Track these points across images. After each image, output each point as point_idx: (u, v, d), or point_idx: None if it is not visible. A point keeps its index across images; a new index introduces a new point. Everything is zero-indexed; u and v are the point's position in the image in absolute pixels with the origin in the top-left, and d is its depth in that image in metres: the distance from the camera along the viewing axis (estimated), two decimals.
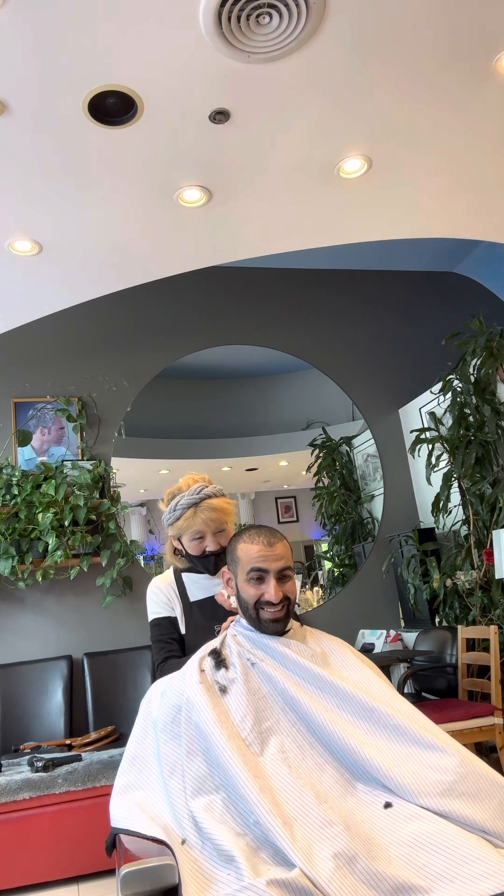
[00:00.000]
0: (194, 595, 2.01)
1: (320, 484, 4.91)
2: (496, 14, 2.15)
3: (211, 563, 1.95)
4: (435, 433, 4.19)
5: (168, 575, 2.08)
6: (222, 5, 1.97)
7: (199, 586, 2.01)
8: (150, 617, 2.03)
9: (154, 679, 1.82)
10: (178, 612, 2.00)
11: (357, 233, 3.35)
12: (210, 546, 1.93)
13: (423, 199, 3.13)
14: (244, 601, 1.57)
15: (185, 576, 2.04)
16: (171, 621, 1.99)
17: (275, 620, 1.54)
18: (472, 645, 3.52)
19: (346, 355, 5.01)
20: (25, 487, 3.94)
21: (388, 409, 4.99)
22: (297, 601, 1.86)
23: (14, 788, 2.77)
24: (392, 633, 4.10)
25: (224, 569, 1.69)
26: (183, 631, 1.98)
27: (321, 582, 4.85)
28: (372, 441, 4.90)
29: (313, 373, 4.94)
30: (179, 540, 1.99)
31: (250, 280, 5.00)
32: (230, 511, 1.96)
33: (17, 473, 3.99)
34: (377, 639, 4.12)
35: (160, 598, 2.03)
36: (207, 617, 1.95)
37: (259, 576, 1.55)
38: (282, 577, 1.56)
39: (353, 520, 4.86)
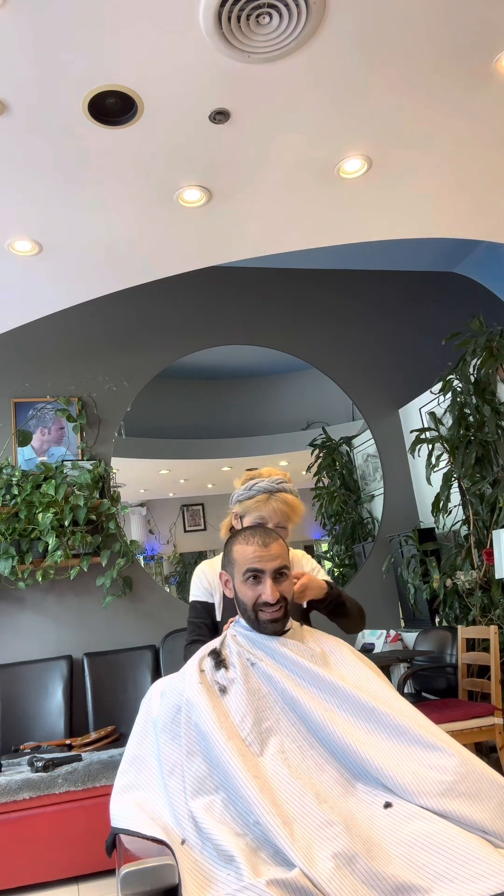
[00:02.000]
0: None
1: (320, 484, 4.91)
2: (496, 14, 2.15)
3: None
4: (435, 433, 4.19)
5: (215, 562, 2.14)
6: (222, 5, 1.97)
7: None
8: (191, 598, 2.12)
9: (160, 672, 1.83)
10: (216, 599, 2.06)
11: (357, 233, 3.35)
12: None
13: (423, 199, 3.13)
14: (242, 602, 1.58)
15: None
16: (206, 606, 2.07)
17: (273, 621, 1.54)
18: (472, 645, 3.52)
19: (346, 355, 5.01)
20: (25, 487, 3.94)
21: (388, 409, 4.99)
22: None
23: (14, 788, 2.77)
24: (392, 633, 4.10)
25: (222, 571, 1.69)
26: (219, 617, 2.04)
27: None
28: (372, 441, 4.90)
29: (313, 373, 4.94)
30: (241, 519, 2.04)
31: (250, 280, 5.00)
32: (298, 512, 2.03)
33: (17, 473, 3.99)
34: (377, 639, 4.12)
35: (203, 582, 2.11)
36: None
37: (255, 576, 1.55)
38: (278, 576, 1.56)
39: (353, 520, 4.86)
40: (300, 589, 1.80)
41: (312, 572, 2.05)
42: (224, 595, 2.06)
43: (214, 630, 2.03)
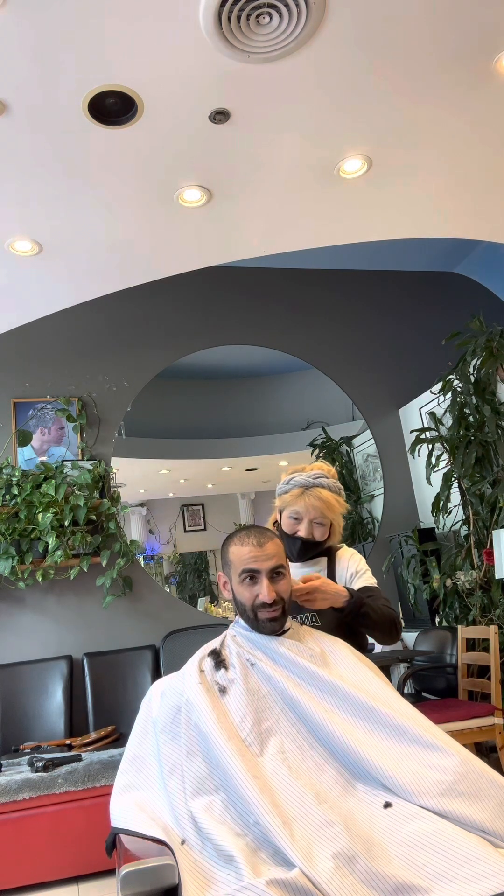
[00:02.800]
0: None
1: None
2: (496, 14, 2.15)
3: (296, 546, 1.96)
4: (435, 433, 4.19)
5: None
6: (222, 5, 1.97)
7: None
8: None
9: (160, 672, 1.82)
10: None
11: (357, 233, 3.35)
12: (303, 531, 1.95)
13: (423, 199, 3.13)
14: (240, 603, 1.57)
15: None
16: None
17: (272, 620, 1.54)
18: (472, 645, 3.52)
19: (346, 355, 5.01)
20: (25, 487, 3.94)
21: (388, 409, 4.98)
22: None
23: (14, 788, 2.77)
24: None
25: (220, 573, 1.69)
26: None
27: None
28: (372, 441, 4.90)
29: (313, 373, 4.94)
30: (281, 513, 2.01)
31: (250, 280, 4.99)
32: (336, 508, 1.97)
33: (17, 473, 3.99)
34: None
35: None
36: None
37: (251, 576, 1.55)
38: (274, 576, 1.55)
39: (353, 520, 4.86)
40: (302, 591, 1.70)
41: (356, 575, 1.96)
42: None
43: None
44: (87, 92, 2.25)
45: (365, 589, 1.87)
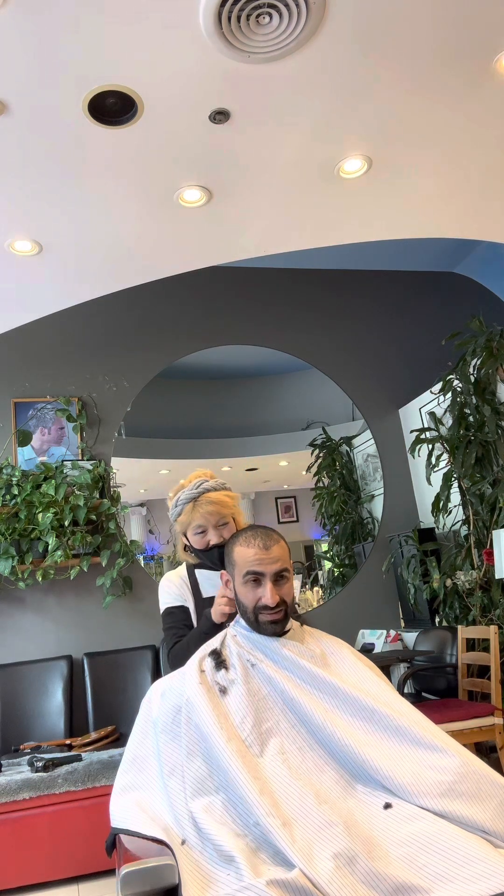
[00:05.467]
0: (206, 591, 2.01)
1: (320, 484, 4.91)
2: (496, 14, 2.15)
3: (215, 556, 1.95)
4: (435, 433, 4.19)
5: (181, 570, 2.09)
6: (222, 5, 1.97)
7: (212, 583, 2.01)
8: (163, 608, 2.05)
9: (160, 672, 1.82)
10: (190, 605, 2.02)
11: (357, 233, 3.35)
12: (213, 539, 1.93)
13: (423, 199, 3.13)
14: (242, 604, 1.57)
15: (198, 572, 2.05)
16: (184, 610, 2.01)
17: (273, 622, 1.54)
18: (472, 645, 3.52)
19: (346, 355, 5.01)
20: (25, 487, 3.94)
21: (388, 409, 4.98)
22: (296, 602, 1.85)
23: (14, 788, 2.77)
24: (392, 633, 4.10)
25: (223, 571, 1.69)
26: (194, 623, 1.99)
27: (321, 582, 4.85)
28: (372, 441, 4.90)
29: (313, 373, 4.94)
30: (185, 536, 2.00)
31: (250, 280, 4.99)
32: (230, 504, 1.96)
33: (17, 473, 3.99)
34: (377, 639, 4.12)
35: (172, 590, 2.05)
36: None
37: (255, 578, 1.54)
38: (278, 579, 1.55)
39: (353, 520, 4.86)
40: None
41: None
42: (196, 603, 2.00)
43: None
44: (87, 92, 2.25)
45: None
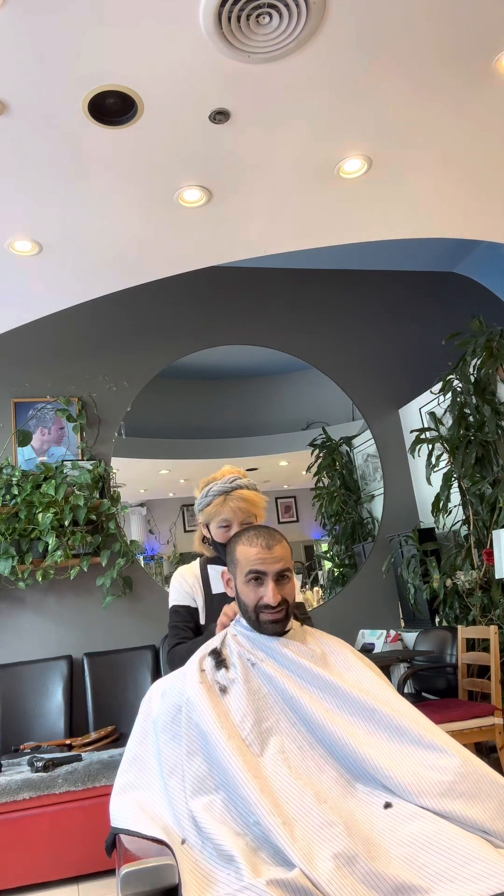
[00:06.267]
0: (217, 587, 2.03)
1: (320, 484, 4.91)
2: (496, 14, 2.15)
3: None
4: (435, 433, 4.19)
5: (194, 566, 2.11)
6: (222, 5, 1.97)
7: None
8: (171, 604, 2.07)
9: (160, 672, 1.82)
10: (199, 603, 2.04)
11: (357, 233, 3.35)
12: None
13: (423, 199, 3.13)
14: (244, 603, 1.57)
15: (211, 567, 2.07)
16: (190, 610, 2.03)
17: (274, 622, 1.54)
18: (472, 645, 3.52)
19: (346, 355, 5.01)
20: (25, 487, 3.94)
21: (388, 409, 4.99)
22: (296, 601, 1.86)
23: (14, 788, 2.77)
24: (392, 633, 4.10)
25: (224, 570, 1.69)
26: (202, 621, 2.01)
27: (321, 582, 4.84)
28: (372, 441, 4.90)
29: (313, 373, 4.94)
30: (208, 527, 2.02)
31: (250, 280, 5.00)
32: (259, 504, 1.99)
33: (17, 473, 3.99)
34: (377, 639, 4.12)
35: (184, 586, 2.07)
36: None
37: (257, 577, 1.54)
38: (280, 578, 1.55)
39: (353, 520, 4.86)
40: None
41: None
42: (206, 599, 2.02)
43: (199, 633, 1.99)
44: (87, 92, 2.25)
45: None
